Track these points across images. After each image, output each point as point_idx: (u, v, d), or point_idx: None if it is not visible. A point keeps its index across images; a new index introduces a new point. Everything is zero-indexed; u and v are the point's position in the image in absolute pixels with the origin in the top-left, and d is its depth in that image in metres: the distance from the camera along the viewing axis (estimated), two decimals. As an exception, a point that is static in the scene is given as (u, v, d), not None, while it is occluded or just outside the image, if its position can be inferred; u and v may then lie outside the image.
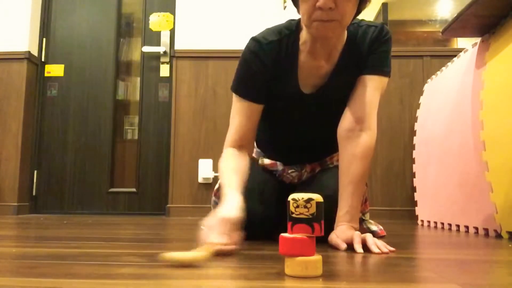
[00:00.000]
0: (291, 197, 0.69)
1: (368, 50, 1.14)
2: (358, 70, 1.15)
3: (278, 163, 1.35)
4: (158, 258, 0.78)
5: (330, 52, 1.14)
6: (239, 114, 1.17)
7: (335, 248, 1.02)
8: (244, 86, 1.17)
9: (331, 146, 1.27)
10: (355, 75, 1.16)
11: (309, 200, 0.67)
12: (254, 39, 1.15)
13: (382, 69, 1.15)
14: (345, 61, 1.15)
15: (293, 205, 0.68)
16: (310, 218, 0.67)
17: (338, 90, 1.16)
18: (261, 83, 1.15)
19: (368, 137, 1.11)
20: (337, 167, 1.31)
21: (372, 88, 1.13)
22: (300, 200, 0.68)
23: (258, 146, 1.40)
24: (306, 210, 0.67)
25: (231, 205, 0.96)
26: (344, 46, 1.15)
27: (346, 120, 1.14)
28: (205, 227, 0.92)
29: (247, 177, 1.11)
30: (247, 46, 1.16)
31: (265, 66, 1.13)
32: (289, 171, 1.34)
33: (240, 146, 1.17)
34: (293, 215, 0.68)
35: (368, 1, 1.04)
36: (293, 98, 1.19)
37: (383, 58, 1.15)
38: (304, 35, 1.13)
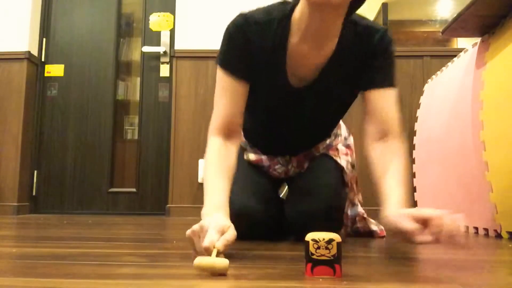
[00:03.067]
0: (310, 237, 0.66)
1: (375, 56, 1.09)
2: (358, 70, 1.09)
3: (263, 158, 1.30)
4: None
5: (322, 41, 1.04)
6: (225, 95, 1.06)
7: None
8: (229, 60, 1.07)
9: (320, 137, 1.27)
10: (352, 72, 1.09)
11: (330, 241, 0.65)
12: (241, 15, 1.07)
13: (393, 81, 1.13)
14: (341, 56, 1.07)
15: (313, 246, 0.66)
16: (332, 259, 0.65)
17: (331, 86, 1.10)
18: (246, 60, 1.06)
19: (399, 142, 1.07)
20: (324, 155, 1.29)
21: (392, 101, 1.11)
22: (321, 241, 0.65)
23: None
24: (328, 251, 0.65)
25: (218, 216, 0.89)
26: (340, 40, 1.05)
27: (374, 136, 1.09)
28: (193, 232, 0.86)
29: (233, 174, 1.02)
30: (233, 21, 1.08)
31: (251, 44, 1.05)
32: (276, 167, 1.30)
33: (228, 133, 1.05)
34: (314, 257, 0.66)
35: None
36: (280, 92, 1.11)
37: (392, 71, 1.12)
38: (297, 18, 1.03)
